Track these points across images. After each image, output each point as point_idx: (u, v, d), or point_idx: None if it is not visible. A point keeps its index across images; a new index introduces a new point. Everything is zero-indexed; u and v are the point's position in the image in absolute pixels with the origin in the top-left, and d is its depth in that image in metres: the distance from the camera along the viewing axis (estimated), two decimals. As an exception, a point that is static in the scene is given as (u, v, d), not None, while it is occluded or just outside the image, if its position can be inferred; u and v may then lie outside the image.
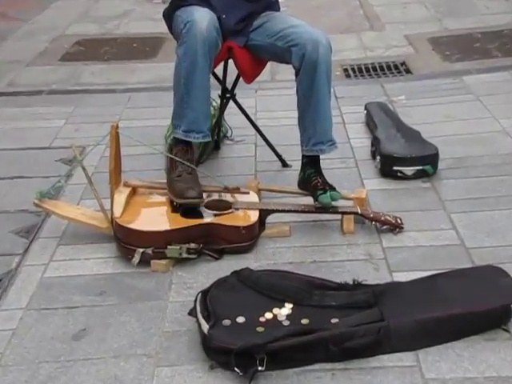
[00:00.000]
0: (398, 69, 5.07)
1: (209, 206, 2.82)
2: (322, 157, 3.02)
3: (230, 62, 3.22)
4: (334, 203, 2.83)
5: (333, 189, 2.85)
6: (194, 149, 2.99)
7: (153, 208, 2.88)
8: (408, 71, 4.97)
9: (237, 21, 3.05)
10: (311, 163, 2.99)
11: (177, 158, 2.86)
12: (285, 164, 3.46)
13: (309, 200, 2.94)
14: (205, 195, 2.84)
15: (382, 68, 5.08)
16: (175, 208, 2.79)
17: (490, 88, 4.37)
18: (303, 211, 2.86)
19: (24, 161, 3.63)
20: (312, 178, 2.92)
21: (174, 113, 2.93)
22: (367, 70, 5.07)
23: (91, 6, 7.06)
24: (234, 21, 3.05)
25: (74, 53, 5.69)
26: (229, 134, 3.77)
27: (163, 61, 5.23)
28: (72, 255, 2.81)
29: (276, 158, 3.50)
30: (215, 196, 2.89)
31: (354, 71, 5.06)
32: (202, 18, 2.79)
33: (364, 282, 2.39)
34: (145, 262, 2.67)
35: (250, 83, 3.26)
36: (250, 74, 3.17)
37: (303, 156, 3.01)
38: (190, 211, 2.76)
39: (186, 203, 2.75)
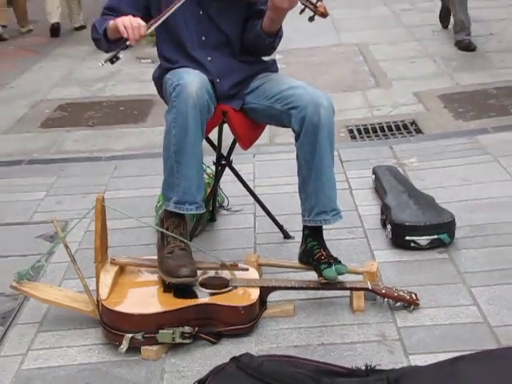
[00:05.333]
0: (407, 129, 5.13)
1: (204, 285, 2.83)
2: (327, 227, 3.02)
3: (226, 126, 3.30)
4: (340, 278, 2.82)
5: (338, 262, 2.87)
6: (187, 221, 2.99)
7: (143, 288, 2.89)
8: (419, 131, 5.05)
9: (232, 85, 3.14)
10: (314, 235, 2.98)
11: (168, 233, 2.87)
12: (287, 235, 3.48)
13: (314, 275, 2.95)
14: (199, 272, 2.85)
15: (390, 128, 5.16)
16: (167, 287, 2.80)
17: (509, 147, 4.40)
18: (308, 288, 2.87)
19: (0, 238, 3.62)
20: (315, 250, 2.92)
21: (165, 183, 2.95)
22: (374, 130, 5.14)
23: (75, 68, 7.14)
24: (228, 85, 3.12)
25: (56, 118, 5.76)
26: (225, 204, 3.82)
27: (153, 125, 5.33)
28: (53, 343, 2.80)
29: (277, 229, 3.51)
30: (211, 273, 2.91)
31: (360, 132, 5.14)
32: (193, 81, 2.84)
33: (377, 367, 2.37)
34: (134, 348, 2.67)
35: (247, 149, 3.31)
36: (246, 139, 3.22)
37: (305, 227, 3.00)
38: (184, 291, 2.78)
39: (178, 282, 2.76)
